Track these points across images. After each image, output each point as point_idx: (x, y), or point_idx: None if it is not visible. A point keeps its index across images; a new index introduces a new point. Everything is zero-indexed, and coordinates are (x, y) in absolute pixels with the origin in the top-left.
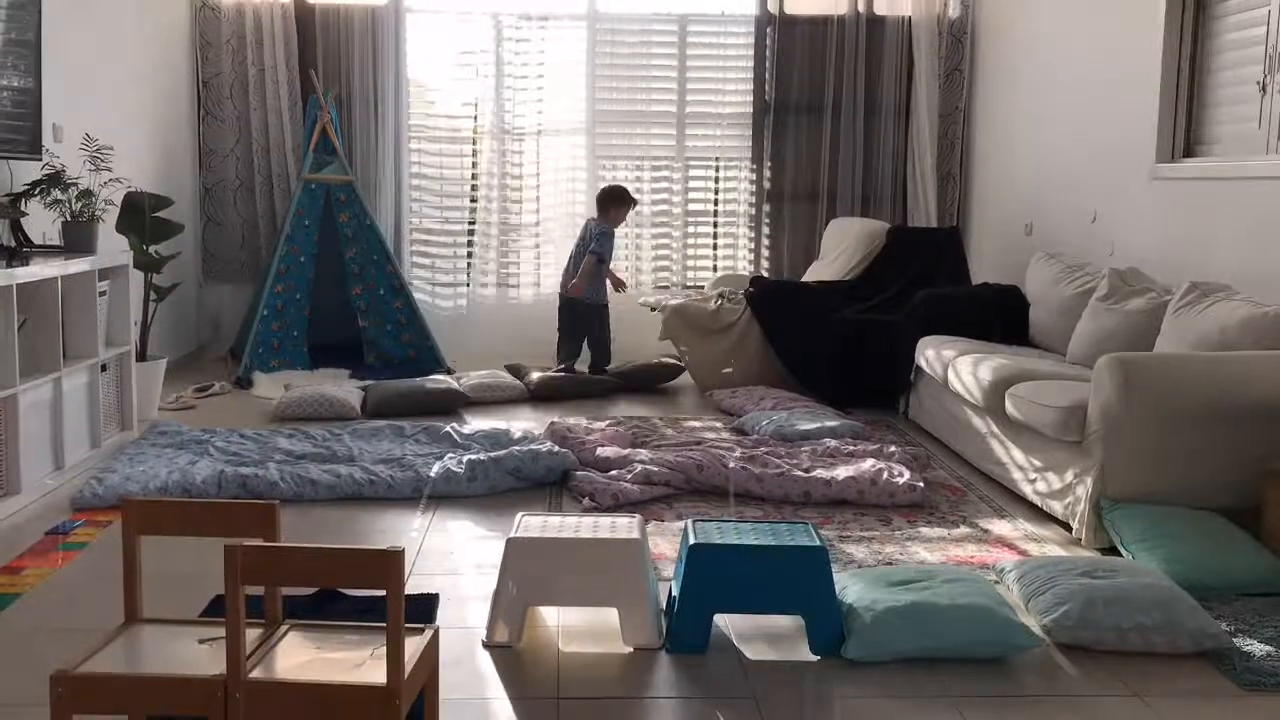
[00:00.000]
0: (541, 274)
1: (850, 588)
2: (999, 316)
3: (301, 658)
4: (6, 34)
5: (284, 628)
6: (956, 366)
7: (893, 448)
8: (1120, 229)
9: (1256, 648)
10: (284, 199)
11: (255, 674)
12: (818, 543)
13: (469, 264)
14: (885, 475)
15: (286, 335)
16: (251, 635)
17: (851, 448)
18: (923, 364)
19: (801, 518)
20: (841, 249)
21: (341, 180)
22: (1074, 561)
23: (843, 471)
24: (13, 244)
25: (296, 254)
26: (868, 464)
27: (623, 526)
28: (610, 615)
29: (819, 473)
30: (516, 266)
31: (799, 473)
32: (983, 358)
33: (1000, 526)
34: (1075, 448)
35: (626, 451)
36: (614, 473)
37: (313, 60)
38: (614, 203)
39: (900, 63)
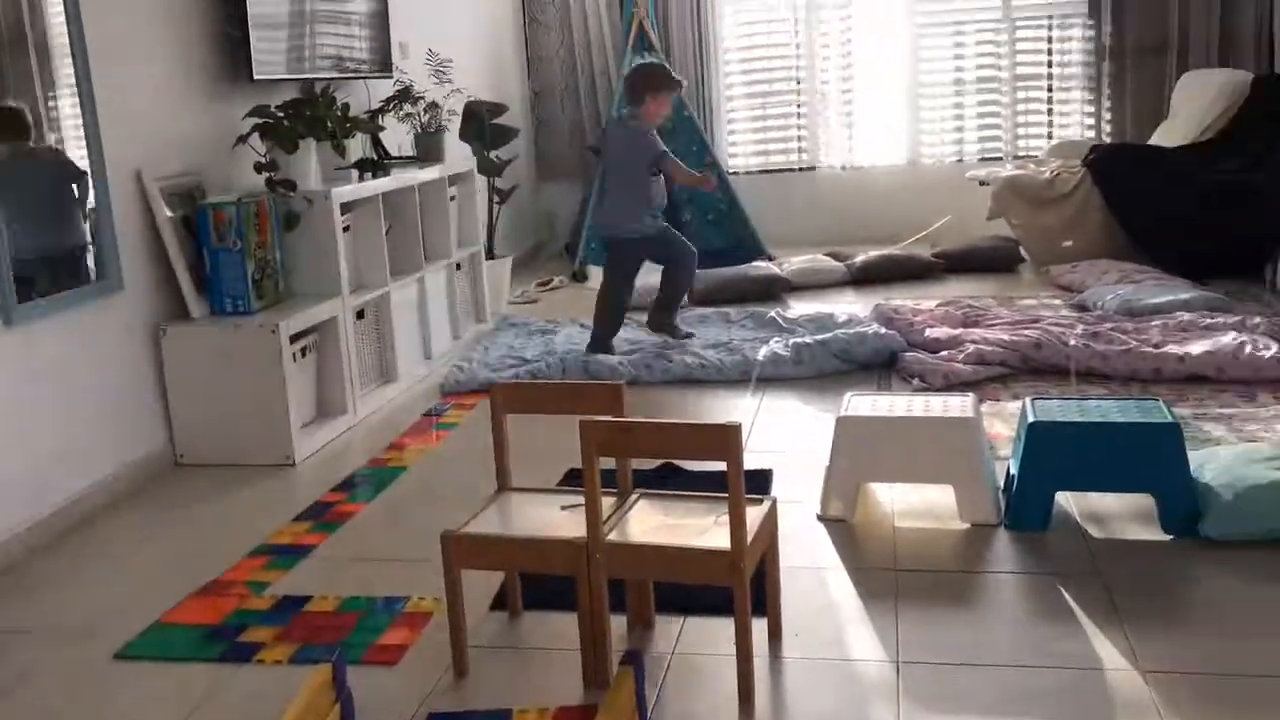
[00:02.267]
0: (857, 151)
1: (1207, 465)
2: None
3: (651, 523)
4: None
5: (634, 496)
6: None
7: (1258, 319)
8: None
9: None
10: (607, 97)
11: (612, 537)
12: (1170, 419)
13: (788, 144)
14: (1249, 349)
15: None
16: (606, 503)
17: (1209, 320)
18: None
19: (1151, 395)
20: (1196, 106)
21: None
22: None
23: (1198, 346)
24: (375, 157)
25: None
26: (1228, 337)
27: (955, 405)
28: (945, 494)
29: (1171, 348)
30: (835, 144)
31: (1148, 349)
32: None
33: None
34: None
35: (957, 332)
36: (944, 353)
37: None
38: (651, 89)
39: None
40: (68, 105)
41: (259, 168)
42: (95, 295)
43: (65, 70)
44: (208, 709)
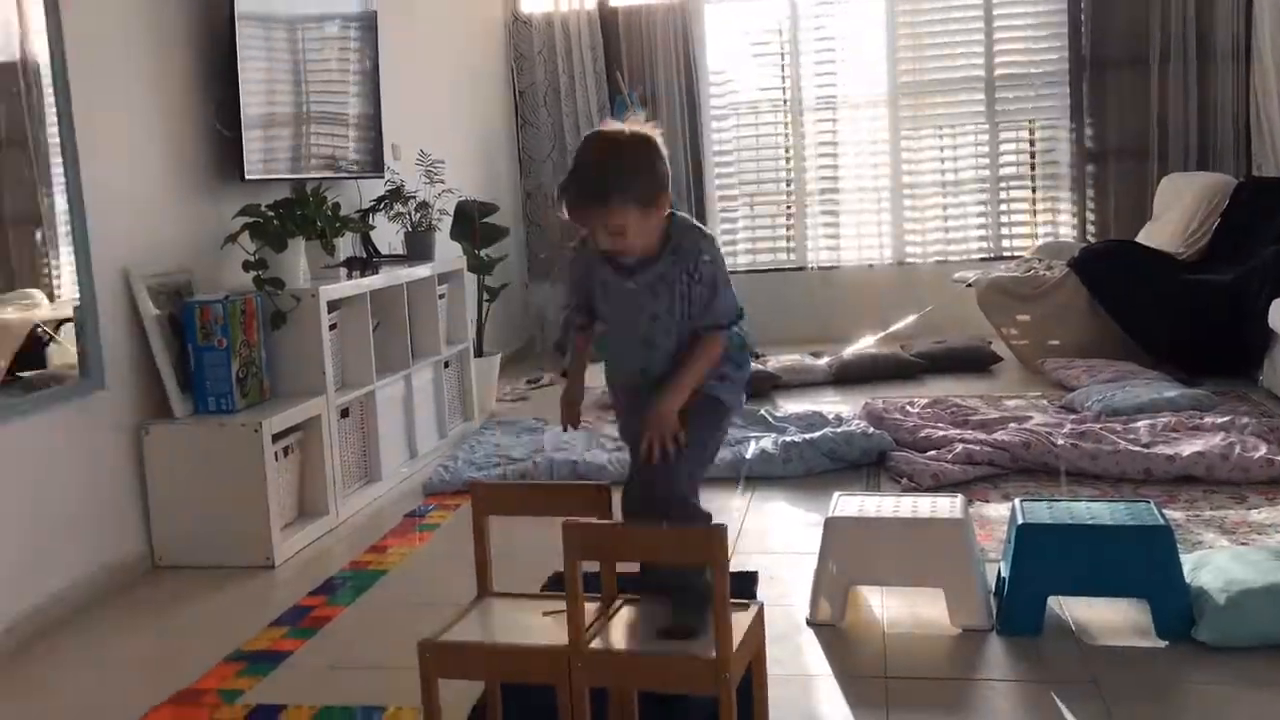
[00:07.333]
0: (844, 251)
1: (1201, 569)
2: None
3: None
4: (351, 65)
5: (618, 602)
6: None
7: (1245, 419)
8: None
9: None
10: None
11: (594, 645)
12: (1161, 521)
13: (776, 243)
14: (1238, 449)
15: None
16: (589, 609)
17: (1197, 420)
18: (1277, 327)
19: (1142, 496)
20: (1178, 208)
21: None
22: None
23: (1188, 447)
24: (364, 255)
25: None
26: (1217, 438)
27: (944, 506)
28: (936, 597)
29: (1160, 448)
30: (820, 243)
31: (1137, 449)
32: None
33: None
34: None
35: (946, 431)
36: (933, 453)
37: (618, 61)
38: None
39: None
40: (60, 202)
41: (247, 266)
42: (77, 393)
43: (56, 168)
44: None
